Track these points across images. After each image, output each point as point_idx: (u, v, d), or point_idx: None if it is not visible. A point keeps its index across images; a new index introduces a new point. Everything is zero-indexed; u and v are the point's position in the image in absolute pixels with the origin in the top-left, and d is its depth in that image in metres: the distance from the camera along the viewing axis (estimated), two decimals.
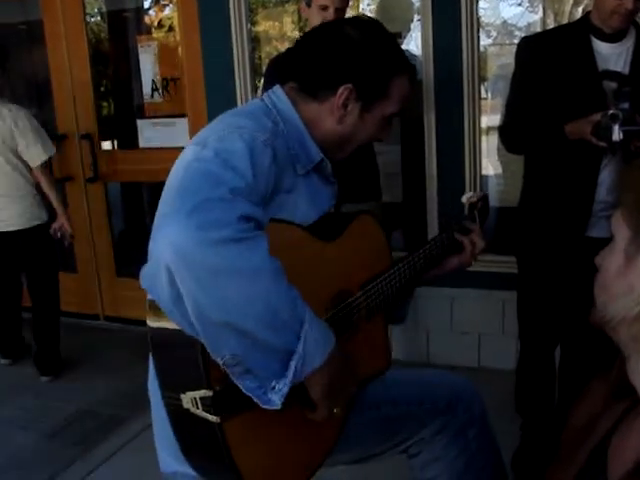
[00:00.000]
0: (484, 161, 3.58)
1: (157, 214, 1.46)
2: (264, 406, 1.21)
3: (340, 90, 1.45)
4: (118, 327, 4.48)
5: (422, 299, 3.62)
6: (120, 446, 3.07)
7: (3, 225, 3.72)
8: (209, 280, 1.11)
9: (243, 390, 1.21)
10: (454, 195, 3.15)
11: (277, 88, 1.52)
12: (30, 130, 3.64)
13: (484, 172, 3.62)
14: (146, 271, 1.20)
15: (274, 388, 1.20)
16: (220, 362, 1.18)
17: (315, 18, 2.76)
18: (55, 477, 2.87)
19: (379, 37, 1.51)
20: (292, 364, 1.19)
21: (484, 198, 1.91)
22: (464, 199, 1.87)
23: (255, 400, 1.21)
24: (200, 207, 1.12)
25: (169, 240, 1.11)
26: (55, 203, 3.79)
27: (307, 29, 2.93)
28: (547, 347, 2.64)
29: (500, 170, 4.13)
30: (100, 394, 3.57)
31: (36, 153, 3.67)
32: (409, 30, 4.02)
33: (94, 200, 4.55)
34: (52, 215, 3.86)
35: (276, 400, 1.20)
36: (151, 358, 1.41)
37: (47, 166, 3.81)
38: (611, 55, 2.27)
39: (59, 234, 3.82)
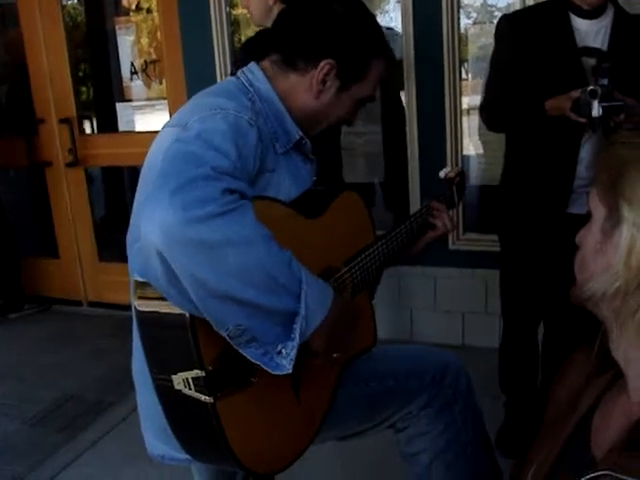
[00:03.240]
0: (465, 141, 3.58)
1: (137, 199, 1.45)
2: (274, 372, 1.21)
3: (322, 64, 1.45)
4: (101, 312, 4.46)
5: (405, 278, 3.64)
6: (106, 431, 3.06)
7: None
8: (203, 256, 1.11)
9: (250, 359, 1.21)
10: (436, 175, 3.16)
11: (253, 65, 1.51)
12: None
13: (465, 152, 3.62)
14: (135, 258, 1.19)
15: (280, 352, 1.21)
16: (225, 334, 1.19)
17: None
18: (40, 464, 2.85)
19: (364, 17, 1.51)
20: (296, 327, 1.20)
21: (461, 173, 1.94)
22: (442, 174, 1.90)
23: (264, 367, 1.21)
24: (183, 187, 1.12)
25: (156, 224, 1.10)
26: None
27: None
28: (530, 324, 2.66)
29: (481, 149, 4.13)
30: (85, 379, 3.56)
31: None
32: (383, 11, 4.01)
33: (74, 185, 4.50)
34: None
35: (286, 364, 1.21)
36: (137, 341, 1.41)
37: None
38: (590, 32, 2.27)
39: None
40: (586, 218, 1.03)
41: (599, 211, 0.97)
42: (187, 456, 1.46)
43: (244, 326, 1.17)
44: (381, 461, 2.41)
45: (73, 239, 4.62)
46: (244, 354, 1.21)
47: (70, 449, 2.95)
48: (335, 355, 1.37)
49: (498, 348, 2.81)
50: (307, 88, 1.48)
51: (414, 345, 2.05)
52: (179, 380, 1.26)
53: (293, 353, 1.20)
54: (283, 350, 1.20)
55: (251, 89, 1.46)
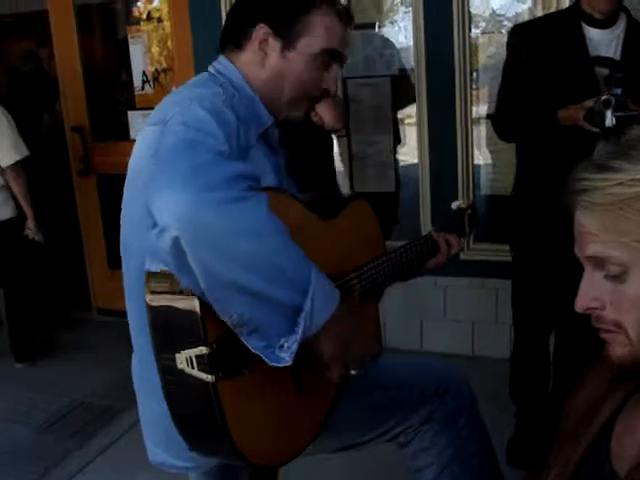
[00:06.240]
0: (475, 151, 3.59)
1: (125, 202, 1.45)
2: (272, 364, 1.22)
3: (255, 32, 1.45)
4: (111, 319, 4.45)
5: (416, 287, 3.62)
6: (116, 438, 3.07)
7: None
8: (215, 241, 1.12)
9: (251, 349, 1.22)
10: (447, 184, 3.17)
11: (221, 57, 1.52)
12: (6, 129, 3.68)
13: (475, 161, 3.63)
14: (148, 246, 1.20)
15: (282, 346, 1.21)
16: (228, 322, 1.20)
17: None
18: (51, 470, 2.86)
19: None
20: (300, 321, 1.20)
21: (472, 206, 1.97)
22: (454, 206, 1.93)
23: (264, 359, 1.21)
24: (196, 170, 1.13)
25: (173, 209, 1.11)
26: (24, 206, 3.81)
27: None
28: (541, 334, 2.65)
29: (490, 159, 4.14)
30: (95, 386, 3.57)
31: (8, 153, 3.69)
32: (384, 20, 4.04)
33: (86, 192, 4.53)
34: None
35: (286, 357, 1.21)
36: (140, 345, 1.42)
37: (19, 167, 3.77)
38: (602, 41, 2.27)
39: (30, 236, 3.87)
40: None
41: None
42: (186, 464, 1.47)
43: (247, 316, 1.18)
44: (382, 465, 2.39)
45: (84, 246, 4.64)
46: (246, 343, 1.22)
47: (81, 455, 2.96)
48: (353, 372, 1.37)
49: (508, 358, 2.80)
50: (255, 61, 1.47)
51: (418, 357, 2.04)
52: (182, 359, 1.26)
53: (294, 346, 1.20)
54: (285, 344, 1.21)
55: (221, 77, 1.47)
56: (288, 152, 1.59)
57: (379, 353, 1.69)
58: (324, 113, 2.93)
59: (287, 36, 1.44)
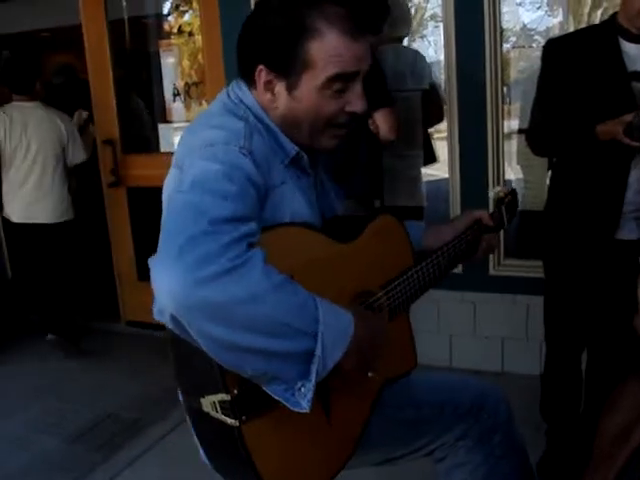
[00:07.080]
0: (506, 165, 3.56)
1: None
2: (293, 409, 1.21)
3: (256, 74, 1.39)
4: (140, 332, 4.47)
5: (445, 303, 3.61)
6: (143, 450, 3.06)
7: (42, 218, 4.14)
8: (213, 316, 1.10)
9: (272, 395, 1.21)
10: (477, 199, 3.15)
11: (242, 83, 1.46)
12: (77, 134, 4.22)
13: (506, 176, 3.60)
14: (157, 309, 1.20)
15: (300, 390, 1.20)
16: (245, 376, 1.20)
17: None
18: None
19: (277, 5, 1.38)
20: (313, 367, 1.19)
21: (512, 192, 1.89)
22: (491, 193, 1.86)
23: (284, 404, 1.21)
24: (184, 247, 1.10)
25: (165, 290, 1.10)
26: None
27: None
28: (574, 352, 2.61)
29: (521, 174, 4.11)
30: (123, 398, 3.57)
31: (78, 152, 4.19)
32: (415, 34, 4.03)
33: (116, 204, 4.57)
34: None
35: (304, 404, 1.20)
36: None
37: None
38: (639, 56, 2.25)
39: None
40: (634, 244, 1.01)
41: None
42: None
43: (263, 369, 1.18)
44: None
45: (113, 258, 4.68)
46: (267, 391, 1.21)
47: (108, 468, 2.95)
48: (370, 374, 1.37)
49: (539, 375, 2.77)
50: (267, 100, 1.41)
51: (453, 375, 1.99)
52: (207, 403, 1.27)
53: (310, 394, 1.19)
54: (302, 388, 1.20)
55: (242, 106, 1.42)
56: (336, 158, 1.54)
57: (412, 368, 1.68)
58: (381, 121, 2.90)
59: (288, 76, 1.37)
